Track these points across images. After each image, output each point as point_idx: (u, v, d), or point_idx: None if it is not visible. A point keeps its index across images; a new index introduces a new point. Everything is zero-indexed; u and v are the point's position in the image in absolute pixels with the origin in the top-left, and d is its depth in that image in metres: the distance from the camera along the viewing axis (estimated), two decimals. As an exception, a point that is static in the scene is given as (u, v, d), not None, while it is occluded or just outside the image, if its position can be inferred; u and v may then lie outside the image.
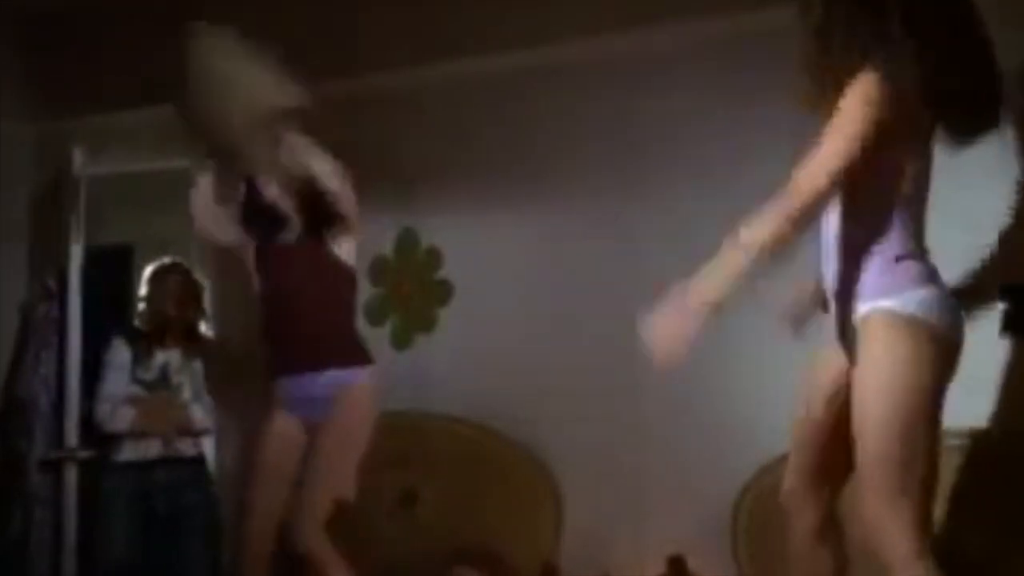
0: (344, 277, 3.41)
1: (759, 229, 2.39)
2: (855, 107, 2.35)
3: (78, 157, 4.59)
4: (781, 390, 3.62)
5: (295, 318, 3.35)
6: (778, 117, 3.72)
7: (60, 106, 4.87)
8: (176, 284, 4.30)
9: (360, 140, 4.39)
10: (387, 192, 4.38)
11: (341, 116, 4.45)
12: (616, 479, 3.95)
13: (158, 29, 4.72)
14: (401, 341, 4.37)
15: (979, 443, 3.29)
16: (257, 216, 3.41)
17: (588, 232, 4.11)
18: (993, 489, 3.27)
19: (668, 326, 2.53)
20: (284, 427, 3.38)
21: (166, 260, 4.40)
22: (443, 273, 4.35)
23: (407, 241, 4.43)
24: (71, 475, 4.42)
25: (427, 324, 4.35)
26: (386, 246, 4.43)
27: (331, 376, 3.32)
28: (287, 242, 3.36)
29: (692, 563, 3.74)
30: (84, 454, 4.32)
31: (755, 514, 3.69)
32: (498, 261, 4.23)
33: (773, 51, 3.69)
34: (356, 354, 3.40)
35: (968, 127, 2.48)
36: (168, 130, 4.87)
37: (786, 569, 2.98)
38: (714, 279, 2.42)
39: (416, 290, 4.37)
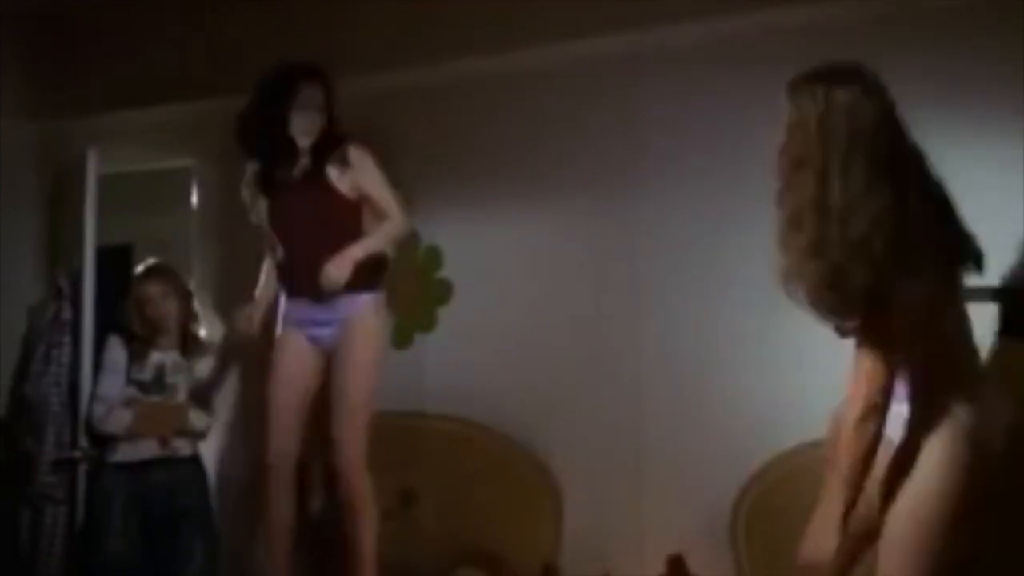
0: (350, 209, 3.71)
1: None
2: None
3: (93, 156, 4.58)
4: (781, 390, 3.65)
5: (305, 247, 3.66)
6: (779, 117, 3.75)
7: (61, 106, 4.87)
8: (156, 288, 4.28)
9: (360, 140, 4.40)
10: (387, 192, 4.39)
11: (341, 116, 4.46)
12: (616, 479, 3.95)
13: (159, 29, 4.74)
14: (401, 341, 4.37)
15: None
16: (272, 150, 3.74)
17: (588, 232, 4.11)
18: (993, 489, 3.26)
19: None
20: (297, 345, 3.72)
21: (150, 262, 4.39)
22: (443, 273, 4.35)
23: (407, 241, 4.42)
24: (84, 475, 4.41)
25: (427, 324, 4.35)
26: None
27: (338, 301, 3.63)
28: (295, 178, 3.71)
29: (692, 563, 3.74)
30: (96, 454, 4.31)
31: (755, 514, 3.69)
32: (498, 261, 4.23)
33: (775, 51, 3.72)
34: (362, 280, 3.66)
35: None
36: (168, 130, 4.91)
37: (786, 569, 2.98)
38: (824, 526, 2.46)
39: (416, 290, 4.37)
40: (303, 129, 3.72)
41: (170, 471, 4.20)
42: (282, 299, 3.80)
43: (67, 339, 4.49)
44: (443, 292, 4.34)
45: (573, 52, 4.07)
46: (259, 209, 3.81)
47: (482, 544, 4.06)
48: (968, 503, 2.39)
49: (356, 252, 3.62)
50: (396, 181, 4.10)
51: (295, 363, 3.70)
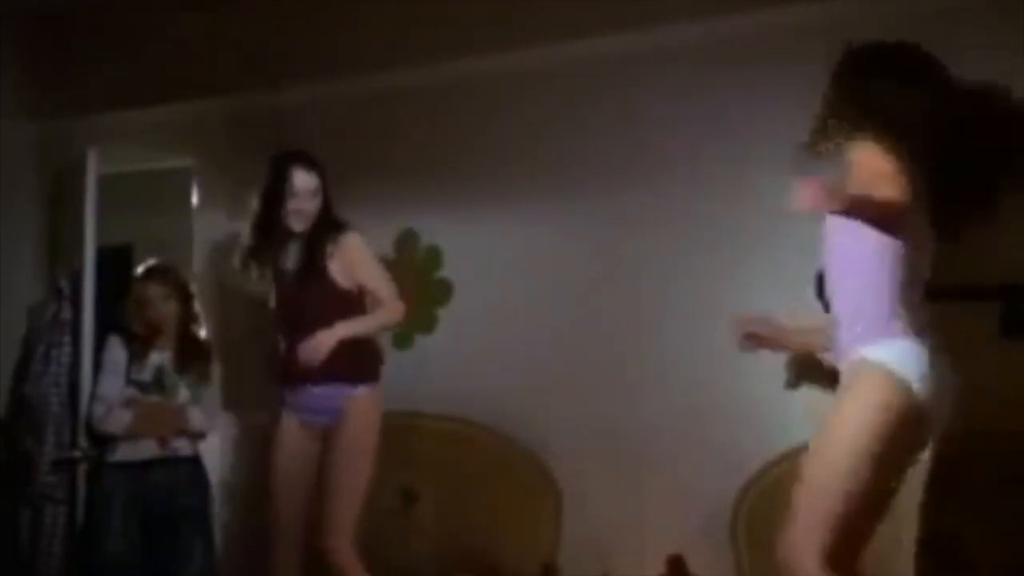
0: (347, 300, 3.77)
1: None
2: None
3: (93, 156, 4.58)
4: (781, 390, 3.64)
5: (301, 335, 3.69)
6: (780, 117, 3.75)
7: (61, 106, 4.87)
8: (156, 290, 4.27)
9: (360, 140, 4.40)
10: (387, 192, 4.38)
11: (342, 116, 4.46)
12: (616, 479, 3.95)
13: (159, 29, 4.74)
14: (401, 341, 4.37)
15: (978, 443, 3.29)
16: (269, 239, 3.82)
17: (588, 232, 4.11)
18: (993, 489, 3.27)
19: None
20: (293, 432, 3.78)
21: (151, 262, 4.38)
22: (443, 273, 4.35)
23: (407, 241, 4.42)
24: (84, 475, 4.41)
25: (427, 324, 4.35)
26: (386, 246, 4.42)
27: (339, 388, 3.69)
28: (292, 267, 3.79)
29: (692, 563, 3.74)
30: (96, 454, 4.31)
31: (755, 514, 3.69)
32: (498, 261, 4.23)
33: (776, 51, 3.72)
34: (363, 370, 3.77)
35: (953, 226, 2.60)
36: (168, 130, 4.91)
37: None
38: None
39: (416, 290, 4.36)
40: (297, 214, 3.77)
41: (170, 471, 4.19)
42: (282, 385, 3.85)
43: (67, 339, 4.48)
44: (443, 292, 4.33)
45: (573, 52, 4.06)
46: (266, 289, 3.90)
47: (482, 544, 4.06)
48: (884, 448, 2.40)
49: (339, 330, 3.67)
50: (396, 181, 4.12)
51: (292, 453, 3.77)
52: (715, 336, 3.85)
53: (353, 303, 3.80)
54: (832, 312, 2.63)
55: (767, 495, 3.69)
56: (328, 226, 3.80)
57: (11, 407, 4.62)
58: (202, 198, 4.85)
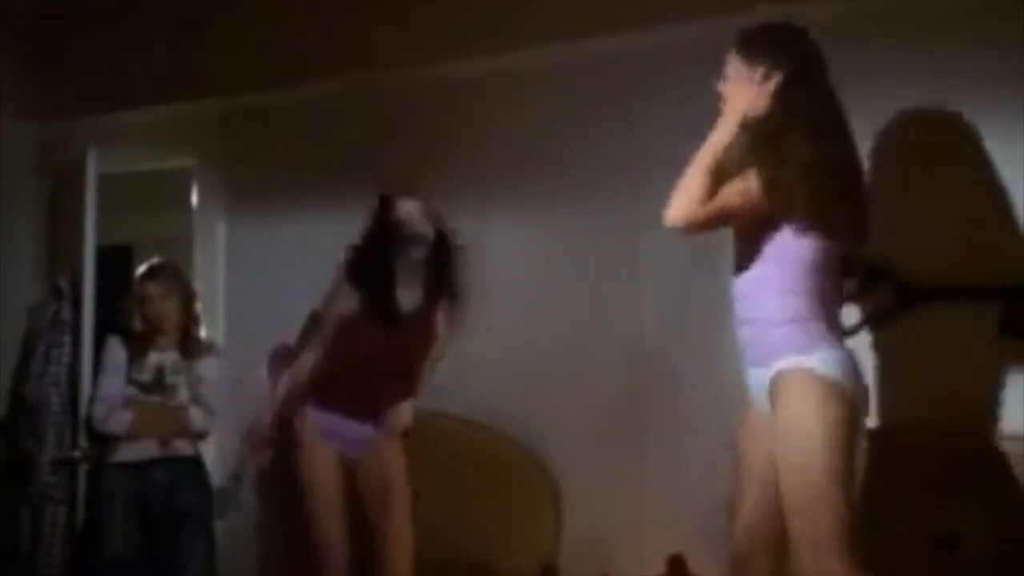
0: (435, 343, 3.79)
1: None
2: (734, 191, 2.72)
3: (93, 156, 4.57)
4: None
5: (376, 372, 3.67)
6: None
7: (61, 106, 4.88)
8: (156, 288, 4.24)
9: (361, 140, 4.40)
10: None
11: (342, 116, 4.46)
12: (616, 479, 3.95)
13: (159, 29, 4.75)
14: (401, 341, 4.36)
15: (978, 444, 3.30)
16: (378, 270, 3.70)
17: (589, 232, 4.11)
18: (992, 489, 3.27)
19: None
20: (324, 455, 3.70)
21: (154, 261, 4.37)
22: (443, 273, 4.34)
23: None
24: (84, 475, 4.41)
25: (427, 324, 4.35)
26: (386, 246, 4.42)
27: (376, 426, 3.70)
28: (410, 307, 3.69)
29: (692, 563, 3.74)
30: (96, 454, 4.30)
31: (755, 514, 3.69)
32: (500, 262, 4.23)
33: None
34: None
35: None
36: (168, 130, 4.91)
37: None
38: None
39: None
40: (413, 240, 3.69)
41: (170, 471, 4.20)
42: (310, 407, 3.73)
43: (67, 339, 4.49)
44: (443, 292, 4.33)
45: (573, 52, 4.06)
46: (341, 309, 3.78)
47: (482, 544, 4.06)
48: (848, 455, 2.54)
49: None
50: (396, 182, 4.12)
51: (328, 481, 3.71)
52: (715, 335, 3.86)
53: (429, 357, 3.81)
54: (741, 316, 2.74)
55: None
56: (447, 259, 3.79)
57: (11, 407, 4.63)
58: (202, 198, 4.85)
